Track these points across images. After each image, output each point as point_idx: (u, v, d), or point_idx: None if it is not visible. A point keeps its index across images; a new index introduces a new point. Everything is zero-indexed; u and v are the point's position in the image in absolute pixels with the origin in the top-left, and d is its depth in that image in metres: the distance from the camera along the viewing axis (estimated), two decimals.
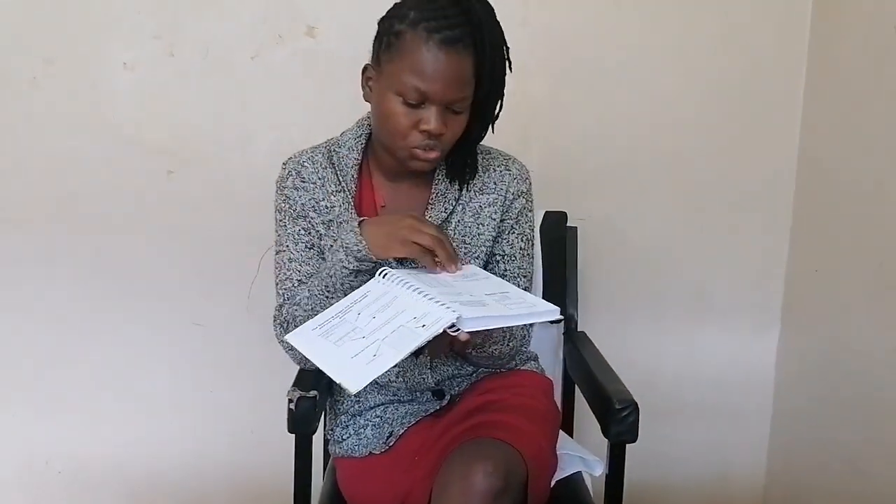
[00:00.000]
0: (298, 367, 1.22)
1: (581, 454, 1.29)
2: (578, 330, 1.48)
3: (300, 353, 1.16)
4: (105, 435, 1.81)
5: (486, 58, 1.08)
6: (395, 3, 1.12)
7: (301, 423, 1.12)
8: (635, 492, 1.53)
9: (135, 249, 1.73)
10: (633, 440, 1.15)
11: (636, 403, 1.14)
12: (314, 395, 1.12)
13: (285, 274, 1.20)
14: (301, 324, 1.13)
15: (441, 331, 0.94)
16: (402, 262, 1.15)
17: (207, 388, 1.80)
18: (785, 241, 1.79)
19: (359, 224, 1.11)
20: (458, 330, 0.95)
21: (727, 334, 1.83)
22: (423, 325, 0.95)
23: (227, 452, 1.83)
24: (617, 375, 1.25)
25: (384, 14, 1.13)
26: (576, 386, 1.43)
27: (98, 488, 1.83)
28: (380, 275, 1.07)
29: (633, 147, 1.74)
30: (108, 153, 1.69)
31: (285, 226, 1.21)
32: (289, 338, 1.05)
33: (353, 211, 1.19)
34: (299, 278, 1.19)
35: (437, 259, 1.07)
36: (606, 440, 1.18)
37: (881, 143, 1.48)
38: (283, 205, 1.21)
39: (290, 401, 1.11)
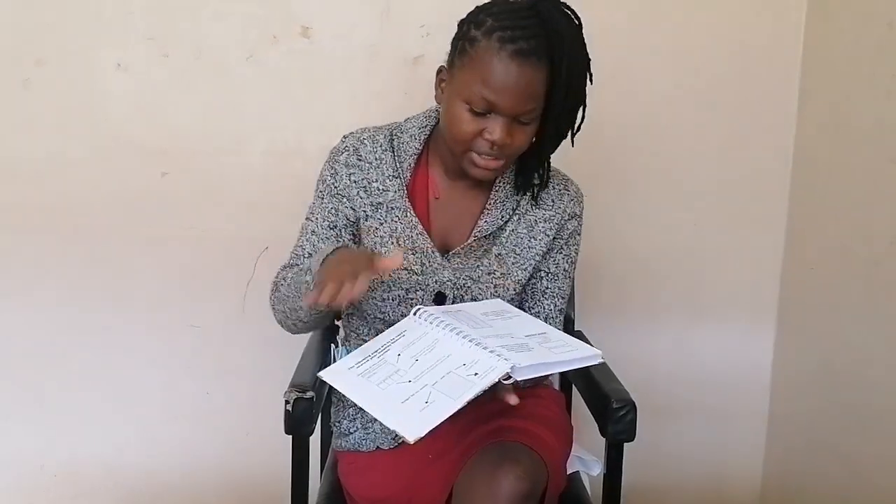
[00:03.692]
0: (296, 368, 1.22)
1: (579, 454, 1.29)
2: (575, 329, 1.47)
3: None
4: (100, 438, 1.80)
5: (562, 70, 1.06)
6: (476, 8, 1.11)
7: (299, 424, 1.12)
8: (633, 492, 1.53)
9: (129, 251, 1.72)
10: (631, 439, 1.15)
11: (634, 403, 1.14)
12: (311, 395, 1.11)
13: (301, 243, 1.21)
14: (275, 303, 1.17)
15: (497, 380, 0.94)
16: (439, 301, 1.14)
17: (203, 389, 1.79)
18: (780, 240, 1.79)
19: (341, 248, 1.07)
20: (511, 378, 0.95)
21: (723, 333, 1.83)
22: (476, 374, 0.94)
23: (222, 454, 1.82)
24: (614, 375, 1.24)
25: (464, 17, 1.11)
26: (573, 385, 1.43)
27: (93, 492, 1.82)
28: (414, 313, 1.05)
29: (629, 147, 1.74)
30: (101, 154, 1.68)
31: (322, 198, 1.21)
32: (325, 376, 1.01)
33: (407, 199, 1.18)
34: (311, 251, 1.20)
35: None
36: (604, 440, 1.18)
37: (876, 142, 1.48)
38: (329, 178, 1.21)
39: (288, 402, 1.11)
